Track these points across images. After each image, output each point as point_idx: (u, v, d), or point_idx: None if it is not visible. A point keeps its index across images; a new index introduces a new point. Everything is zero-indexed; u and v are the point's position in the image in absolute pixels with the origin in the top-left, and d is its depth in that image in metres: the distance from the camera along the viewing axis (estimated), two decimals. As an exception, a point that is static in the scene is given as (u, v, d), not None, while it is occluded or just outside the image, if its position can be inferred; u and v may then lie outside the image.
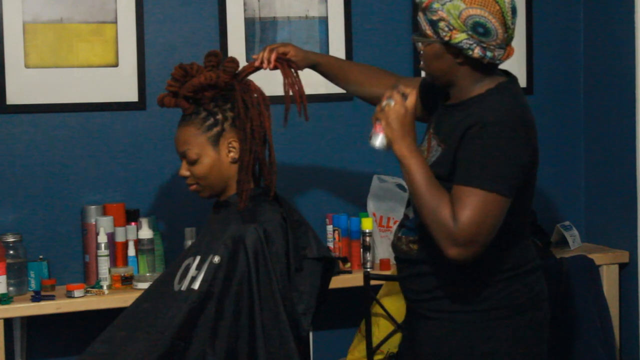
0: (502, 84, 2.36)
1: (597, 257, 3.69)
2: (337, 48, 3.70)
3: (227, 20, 3.57)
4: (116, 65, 3.47)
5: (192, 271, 2.45)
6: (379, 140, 2.35)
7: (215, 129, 2.52)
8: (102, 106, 3.46)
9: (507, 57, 2.35)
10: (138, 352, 2.37)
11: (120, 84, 3.47)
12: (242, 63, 2.70)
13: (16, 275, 3.23)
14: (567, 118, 4.01)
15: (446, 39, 2.30)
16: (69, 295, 3.18)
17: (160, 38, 3.52)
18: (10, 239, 3.26)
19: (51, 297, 3.18)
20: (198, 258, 2.47)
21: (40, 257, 3.34)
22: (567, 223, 3.89)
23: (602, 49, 3.89)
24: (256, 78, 2.67)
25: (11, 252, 3.24)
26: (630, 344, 3.76)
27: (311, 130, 3.66)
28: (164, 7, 3.53)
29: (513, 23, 2.32)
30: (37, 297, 3.17)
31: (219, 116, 2.52)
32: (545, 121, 3.98)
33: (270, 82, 2.76)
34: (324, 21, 3.69)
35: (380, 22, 3.75)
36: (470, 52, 2.30)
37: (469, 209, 2.21)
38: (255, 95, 2.56)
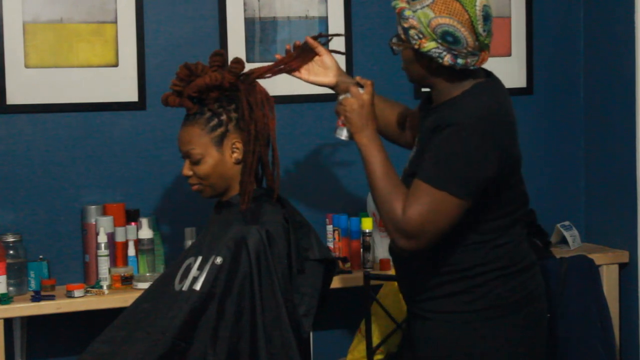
0: (477, 85, 2.36)
1: (597, 257, 3.69)
2: (337, 48, 3.68)
3: (227, 20, 3.57)
4: (116, 65, 3.47)
5: (194, 272, 2.45)
6: (343, 133, 2.46)
7: (220, 130, 2.52)
8: (102, 106, 3.46)
9: (482, 62, 2.36)
10: (138, 352, 2.37)
11: (120, 84, 3.47)
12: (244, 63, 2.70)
13: (16, 275, 3.23)
14: (567, 118, 4.01)
15: (416, 47, 2.32)
16: (69, 295, 3.18)
17: (160, 38, 3.52)
18: (10, 239, 3.26)
19: (51, 297, 3.18)
20: (200, 258, 2.46)
21: (40, 257, 3.34)
22: (567, 223, 3.89)
23: (602, 49, 3.90)
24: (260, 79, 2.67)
25: (11, 252, 3.24)
26: (630, 344, 3.76)
27: (311, 130, 3.66)
28: (164, 7, 3.53)
29: (485, 30, 2.31)
30: (37, 297, 3.17)
31: (224, 117, 2.52)
32: (545, 121, 3.98)
33: (274, 83, 2.76)
34: (324, 21, 3.69)
35: (380, 22, 3.75)
36: (441, 60, 2.32)
37: (418, 204, 2.26)
38: (260, 96, 2.56)
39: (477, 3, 2.29)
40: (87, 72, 3.44)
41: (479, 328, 2.36)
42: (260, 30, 3.62)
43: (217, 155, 2.52)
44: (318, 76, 2.73)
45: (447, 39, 2.28)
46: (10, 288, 3.20)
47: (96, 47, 3.45)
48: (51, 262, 3.38)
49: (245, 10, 3.60)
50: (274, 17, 3.63)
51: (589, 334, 3.55)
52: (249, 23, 3.61)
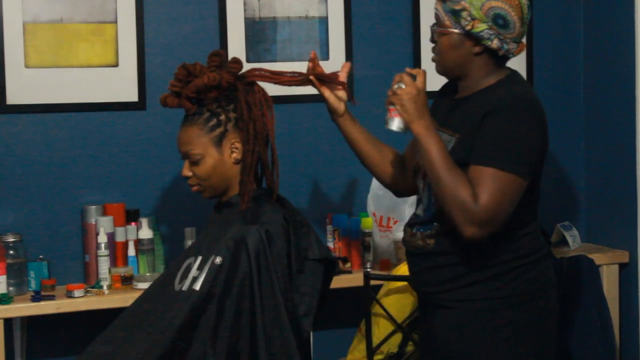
0: (510, 75, 2.44)
1: (597, 257, 3.69)
2: (337, 48, 3.70)
3: (227, 20, 3.57)
4: (116, 65, 3.47)
5: (194, 271, 2.45)
6: (395, 124, 2.40)
7: (218, 130, 2.51)
8: (102, 106, 3.46)
9: (520, 51, 2.44)
10: (138, 352, 2.37)
11: (120, 84, 3.47)
12: (243, 63, 2.69)
13: (16, 275, 3.23)
14: (567, 118, 4.01)
15: (468, 28, 2.36)
16: (69, 295, 3.18)
17: (160, 38, 3.52)
18: (10, 239, 3.26)
19: (51, 297, 3.18)
20: (199, 258, 2.46)
21: (40, 257, 3.34)
22: (567, 223, 3.89)
23: (602, 48, 3.89)
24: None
25: (11, 252, 3.24)
26: (630, 344, 3.76)
27: (311, 130, 3.66)
28: (164, 7, 3.53)
29: (528, 19, 2.39)
30: (37, 297, 3.17)
31: (222, 117, 2.52)
32: (545, 121, 3.98)
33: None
34: (324, 21, 3.69)
35: (380, 22, 3.75)
36: (489, 43, 2.37)
37: (489, 189, 2.26)
38: (259, 96, 2.56)
39: None
40: (87, 72, 3.44)
41: (505, 315, 2.39)
42: (260, 30, 3.62)
43: (216, 155, 2.52)
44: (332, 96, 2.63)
45: (499, 21, 2.35)
46: (10, 288, 3.20)
47: (96, 47, 3.45)
48: (51, 262, 3.38)
49: (245, 10, 3.60)
50: (274, 17, 3.63)
51: (589, 334, 3.55)
52: (249, 23, 3.60)
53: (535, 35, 3.94)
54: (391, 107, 2.39)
